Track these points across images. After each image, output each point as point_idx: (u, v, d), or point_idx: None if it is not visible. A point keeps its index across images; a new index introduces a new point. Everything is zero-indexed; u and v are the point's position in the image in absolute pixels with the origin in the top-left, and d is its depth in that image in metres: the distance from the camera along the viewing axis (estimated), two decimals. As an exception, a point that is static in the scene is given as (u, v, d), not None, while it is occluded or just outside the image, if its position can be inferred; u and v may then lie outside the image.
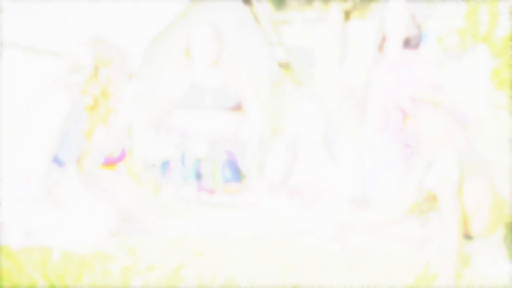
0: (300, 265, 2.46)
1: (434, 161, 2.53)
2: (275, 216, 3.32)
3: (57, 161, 2.98)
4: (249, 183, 4.03)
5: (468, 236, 2.59)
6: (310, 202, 3.67)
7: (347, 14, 8.15)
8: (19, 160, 2.86)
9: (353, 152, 3.63)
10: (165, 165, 4.04)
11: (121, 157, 4.01)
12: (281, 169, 3.86)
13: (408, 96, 2.79)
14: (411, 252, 2.69)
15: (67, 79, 2.98)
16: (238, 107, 4.04)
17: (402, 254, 2.69)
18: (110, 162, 3.84)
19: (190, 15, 6.72)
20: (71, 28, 7.20)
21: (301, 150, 3.82)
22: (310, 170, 3.76)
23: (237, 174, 4.08)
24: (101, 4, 7.52)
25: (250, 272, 2.30)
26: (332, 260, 2.58)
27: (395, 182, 3.36)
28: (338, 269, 2.44)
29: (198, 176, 4.00)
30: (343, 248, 2.90)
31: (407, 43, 3.44)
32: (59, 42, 6.98)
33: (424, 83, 2.82)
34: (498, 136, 2.77)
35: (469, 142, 2.62)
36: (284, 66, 7.74)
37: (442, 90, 2.86)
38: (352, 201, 3.61)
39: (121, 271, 2.26)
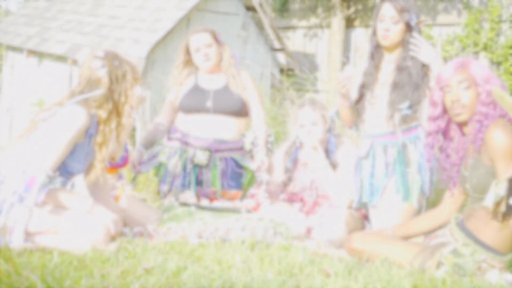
0: (299, 270, 2.47)
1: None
2: (275, 222, 3.32)
3: (66, 172, 3.00)
4: (250, 188, 4.04)
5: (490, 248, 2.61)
6: (310, 207, 3.68)
7: (349, 21, 8.16)
8: (24, 163, 2.88)
9: (353, 158, 3.64)
10: (166, 170, 4.05)
11: (123, 162, 4.02)
12: (282, 174, 3.87)
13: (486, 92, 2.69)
14: (414, 256, 2.69)
15: (84, 94, 3.00)
16: (240, 112, 4.04)
17: (404, 259, 2.69)
18: (112, 167, 3.85)
19: (193, 21, 6.76)
20: (75, 32, 7.23)
21: (301, 155, 3.84)
22: (310, 176, 3.77)
23: (237, 180, 4.08)
24: (104, 9, 7.56)
25: (248, 277, 2.31)
26: (331, 265, 2.59)
27: (392, 189, 3.37)
28: (337, 275, 2.44)
29: (198, 182, 4.01)
30: (346, 251, 2.91)
31: (403, 52, 3.44)
32: (63, 45, 7.02)
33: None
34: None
35: None
36: (286, 71, 7.76)
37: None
38: (351, 207, 3.62)
39: (120, 274, 2.27)
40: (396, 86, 3.37)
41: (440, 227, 2.94)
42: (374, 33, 3.46)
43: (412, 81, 3.35)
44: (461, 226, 2.73)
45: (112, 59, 3.08)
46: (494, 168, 2.57)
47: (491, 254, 2.60)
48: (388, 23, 3.36)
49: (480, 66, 2.74)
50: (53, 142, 2.89)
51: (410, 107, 3.32)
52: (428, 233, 2.98)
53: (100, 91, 3.02)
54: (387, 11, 3.36)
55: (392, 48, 3.43)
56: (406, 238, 2.97)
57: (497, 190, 2.48)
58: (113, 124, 3.10)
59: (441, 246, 2.69)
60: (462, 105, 2.71)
